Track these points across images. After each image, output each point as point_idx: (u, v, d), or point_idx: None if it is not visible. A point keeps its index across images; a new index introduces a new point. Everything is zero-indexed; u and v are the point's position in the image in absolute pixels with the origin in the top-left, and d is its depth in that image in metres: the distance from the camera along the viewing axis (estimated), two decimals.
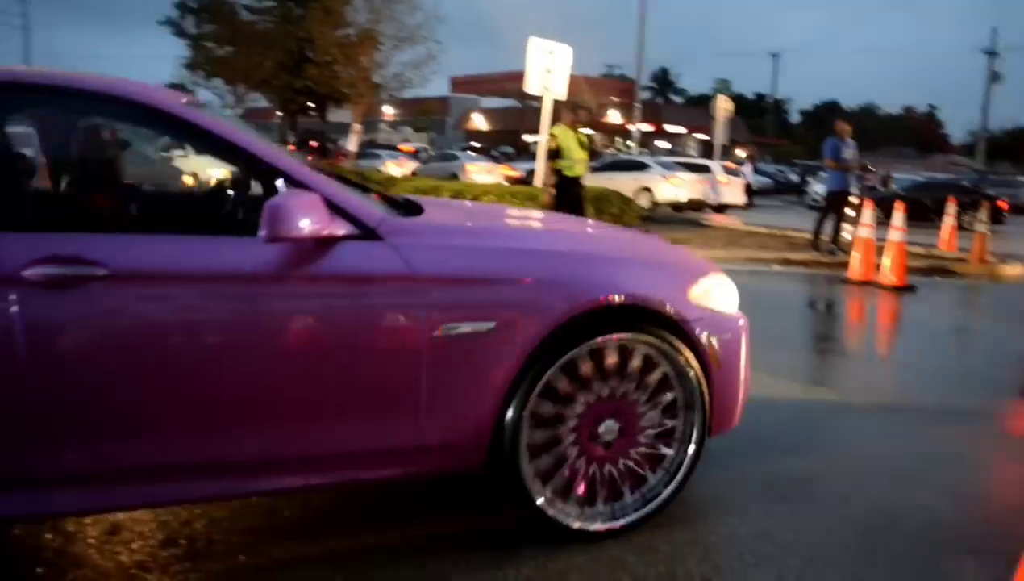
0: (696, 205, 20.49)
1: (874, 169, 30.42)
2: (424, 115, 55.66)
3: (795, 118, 79.64)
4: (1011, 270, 12.34)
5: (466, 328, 2.79)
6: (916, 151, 64.54)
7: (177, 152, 8.10)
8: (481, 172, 26.75)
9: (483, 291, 2.85)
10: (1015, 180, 37.77)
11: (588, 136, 9.43)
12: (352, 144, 26.11)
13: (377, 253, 2.73)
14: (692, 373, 3.13)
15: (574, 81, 15.39)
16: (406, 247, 2.77)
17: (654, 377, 3.12)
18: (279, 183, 2.69)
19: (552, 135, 9.41)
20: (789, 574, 2.88)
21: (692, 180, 21.27)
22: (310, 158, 27.32)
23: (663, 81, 75.95)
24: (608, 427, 3.06)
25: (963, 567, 3.01)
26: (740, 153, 44.85)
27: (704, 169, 22.94)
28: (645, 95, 53.37)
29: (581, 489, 3.05)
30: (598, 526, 3.05)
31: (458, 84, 52.38)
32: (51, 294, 2.39)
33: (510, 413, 2.86)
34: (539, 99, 14.63)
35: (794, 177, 36.79)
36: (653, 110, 50.88)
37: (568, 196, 9.36)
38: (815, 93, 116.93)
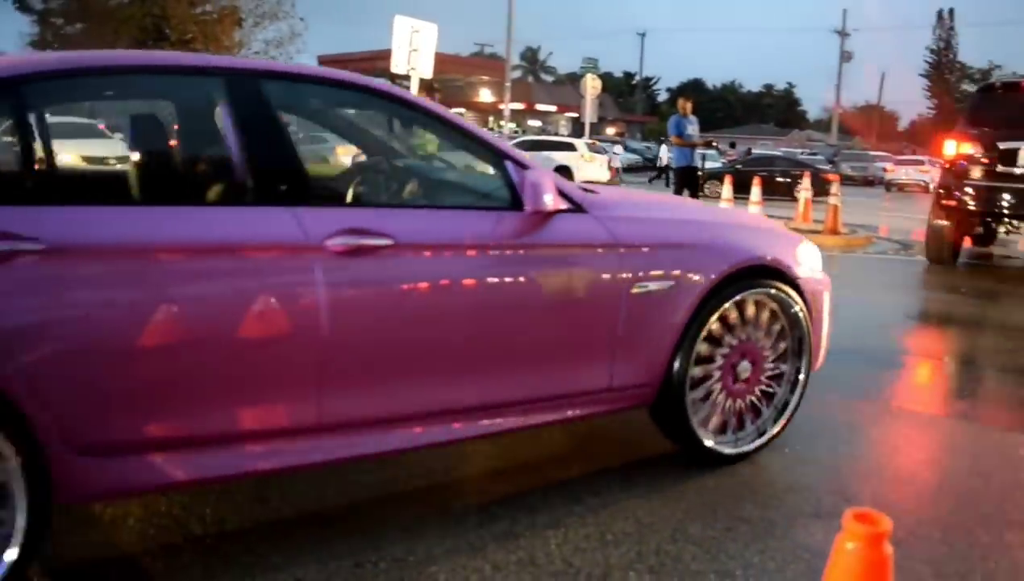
0: None
1: (717, 144, 31.82)
2: None
3: (663, 96, 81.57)
4: (861, 240, 13.04)
5: (653, 286, 3.39)
6: (776, 127, 67.32)
7: None
8: (348, 154, 26.28)
9: (664, 255, 3.45)
10: (864, 153, 39.81)
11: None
12: None
13: (586, 224, 3.27)
14: (802, 324, 3.79)
15: (444, 60, 15.26)
16: (607, 219, 3.33)
17: (776, 327, 3.76)
18: (508, 165, 3.17)
19: None
20: (648, 551, 2.91)
21: (555, 158, 22.00)
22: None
23: (533, 60, 76.40)
24: (744, 367, 3.66)
25: (812, 532, 3.13)
26: (610, 131, 45.72)
27: (568, 147, 23.54)
28: (516, 74, 53.62)
29: (718, 419, 3.65)
30: (728, 450, 3.68)
31: (325, 63, 50.97)
32: (348, 261, 2.75)
33: (679, 356, 3.46)
34: (409, 79, 14.45)
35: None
36: (524, 89, 51.14)
37: None
38: (681, 72, 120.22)
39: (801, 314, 3.76)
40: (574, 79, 42.06)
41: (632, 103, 70.33)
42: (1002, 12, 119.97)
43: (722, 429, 3.68)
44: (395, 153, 4.15)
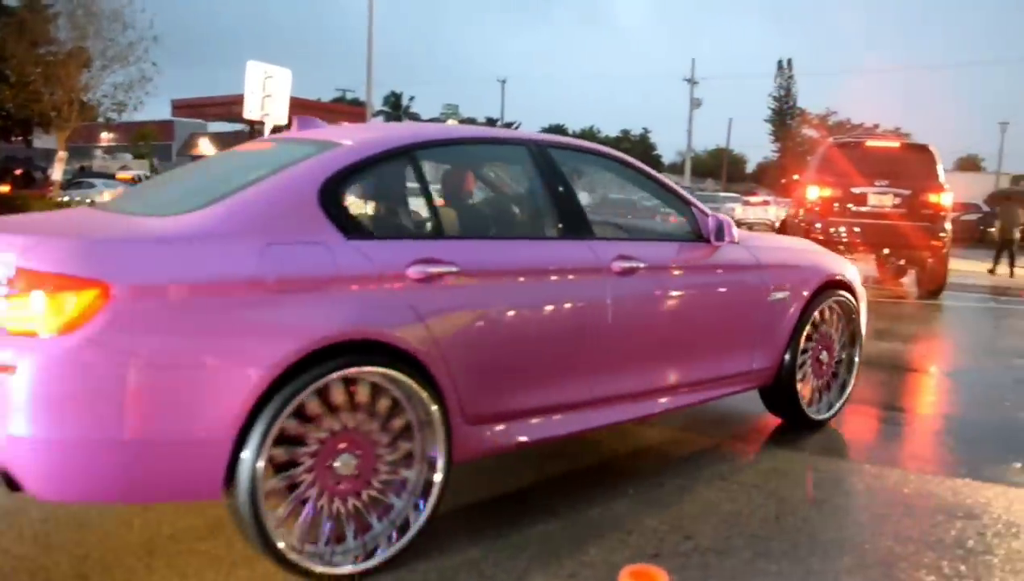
0: None
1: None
2: (143, 140, 52.28)
3: None
4: None
5: (779, 295, 4.72)
6: None
7: None
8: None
9: (785, 273, 4.81)
10: (715, 195, 41.70)
11: None
12: (57, 172, 23.92)
13: (741, 252, 4.60)
14: (856, 322, 5.28)
15: (305, 105, 15.05)
16: (752, 248, 4.69)
17: (842, 325, 5.25)
18: (695, 210, 4.47)
19: None
20: None
21: None
22: (9, 188, 24.73)
23: (396, 105, 76.52)
24: (824, 356, 5.13)
25: None
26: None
27: None
28: (379, 120, 53.54)
29: (807, 395, 5.03)
30: (816, 417, 5.09)
31: (180, 107, 49.44)
32: (621, 279, 3.91)
33: (790, 348, 4.82)
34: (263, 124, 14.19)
35: None
36: None
37: None
38: (542, 117, 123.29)
39: (855, 315, 5.24)
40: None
41: None
42: (837, 62, 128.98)
43: (810, 402, 5.03)
44: (628, 202, 5.37)
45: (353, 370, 3.02)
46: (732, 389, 4.62)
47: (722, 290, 4.52)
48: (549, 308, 3.68)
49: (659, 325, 4.17)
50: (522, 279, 3.62)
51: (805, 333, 4.86)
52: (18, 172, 30.62)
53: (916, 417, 5.89)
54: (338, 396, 3.02)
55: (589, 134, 79.78)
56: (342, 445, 3.06)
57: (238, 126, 49.93)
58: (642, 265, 3.99)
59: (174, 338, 2.77)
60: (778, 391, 4.90)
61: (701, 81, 56.03)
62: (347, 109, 54.37)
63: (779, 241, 5.62)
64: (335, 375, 2.97)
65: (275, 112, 14.28)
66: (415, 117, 76.61)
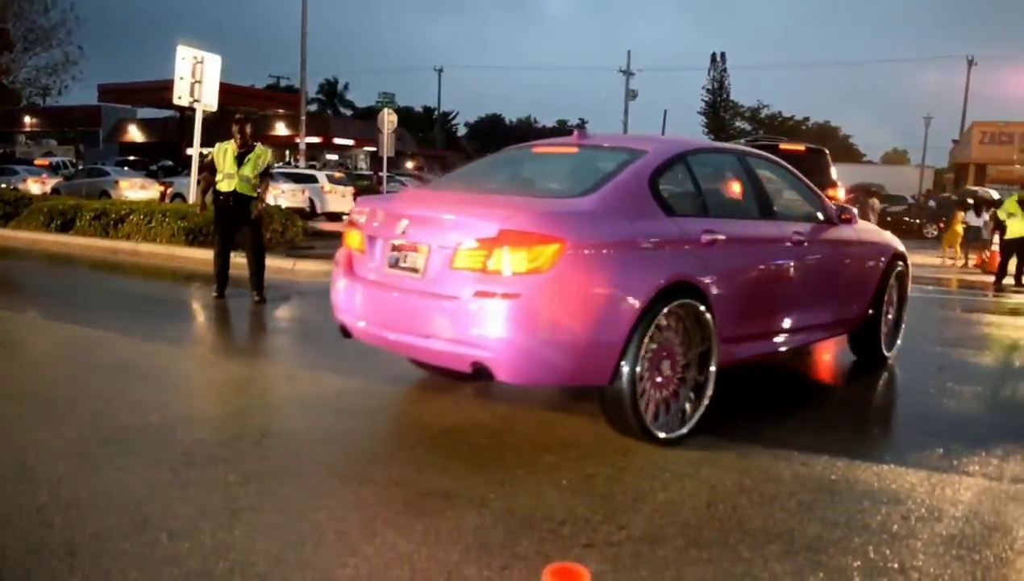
0: (301, 213, 20.04)
1: None
2: (69, 126, 50.63)
3: (463, 131, 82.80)
4: None
5: (870, 262, 6.60)
6: None
7: None
8: (135, 188, 24.83)
9: (873, 247, 6.71)
10: None
11: (249, 149, 8.81)
12: None
13: (849, 230, 6.35)
14: (905, 283, 7.21)
15: (237, 92, 14.70)
16: (855, 228, 6.42)
17: (898, 286, 7.09)
18: (823, 201, 6.37)
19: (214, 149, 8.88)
20: None
21: (293, 189, 22.30)
22: None
23: (331, 94, 75.46)
24: (890, 311, 7.00)
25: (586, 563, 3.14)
26: (409, 165, 45.83)
27: (311, 179, 24.05)
28: (313, 107, 52.78)
29: (881, 337, 6.84)
30: (887, 354, 6.98)
31: (107, 92, 48.06)
32: (793, 246, 5.62)
33: (875, 302, 6.64)
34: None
35: None
36: (321, 122, 50.31)
37: (225, 212, 8.84)
38: (479, 107, 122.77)
39: (906, 280, 7.19)
40: (373, 113, 41.87)
41: (432, 138, 70.96)
42: (769, 57, 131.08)
43: (883, 345, 6.85)
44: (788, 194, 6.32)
45: (675, 303, 4.48)
46: (843, 330, 6.49)
47: (844, 257, 6.27)
48: (763, 265, 5.38)
49: (815, 280, 5.84)
50: (751, 245, 5.30)
51: (886, 292, 6.70)
52: None
53: (842, 403, 6.01)
54: (665, 320, 4.47)
55: (526, 124, 79.80)
56: (664, 354, 4.56)
57: (168, 112, 48.81)
58: (805, 238, 5.71)
59: (596, 277, 4.27)
60: (864, 335, 6.70)
61: (636, 73, 56.35)
62: (281, 96, 53.44)
63: (865, 224, 6.93)
64: (673, 304, 4.46)
65: (205, 98, 13.94)
66: (350, 105, 75.72)
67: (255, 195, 8.81)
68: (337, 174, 28.82)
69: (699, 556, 3.23)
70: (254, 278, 8.83)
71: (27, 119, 52.84)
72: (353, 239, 5.05)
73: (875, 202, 21.67)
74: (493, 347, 4.12)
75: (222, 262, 8.93)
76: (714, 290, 4.72)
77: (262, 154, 8.88)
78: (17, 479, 3.79)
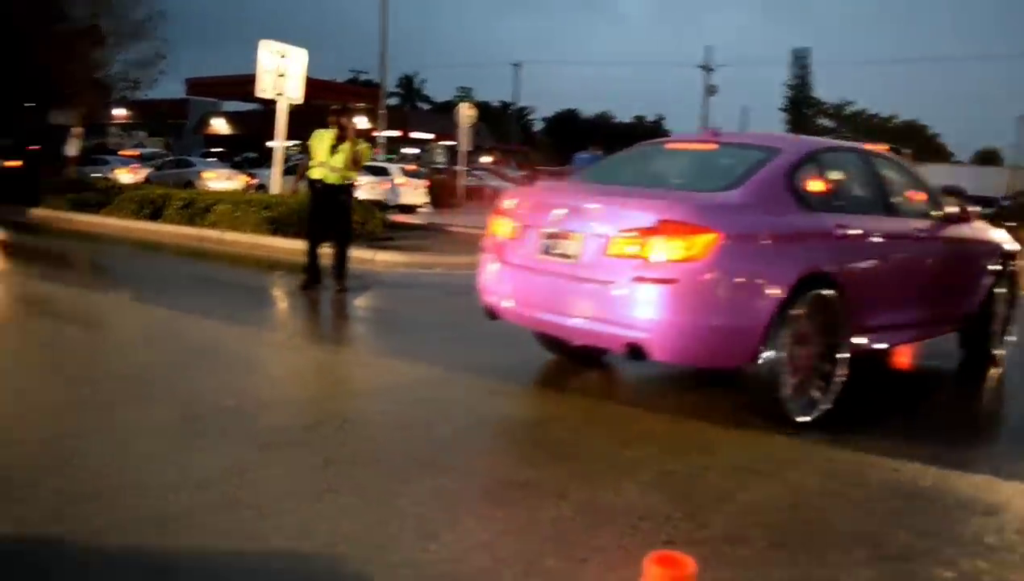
0: (379, 205, 20.34)
1: None
2: (159, 119, 52.22)
3: (539, 126, 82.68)
4: None
5: (983, 260, 6.64)
6: None
7: None
8: (219, 179, 25.48)
9: (988, 244, 6.77)
10: None
11: (344, 141, 8.81)
12: (73, 149, 23.91)
13: (965, 228, 6.44)
14: (1018, 283, 7.09)
15: (318, 86, 14.98)
16: (968, 226, 6.48)
17: (1008, 283, 6.94)
18: (935, 197, 6.41)
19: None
20: None
21: (372, 182, 22.33)
22: (21, 163, 24.73)
23: (409, 88, 76.23)
24: (1001, 308, 6.93)
25: None
26: (486, 158, 46.00)
27: (382, 172, 24.02)
28: (392, 101, 53.34)
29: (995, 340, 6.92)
30: (998, 351, 6.93)
31: (195, 86, 49.48)
32: (914, 243, 5.82)
33: (987, 297, 6.63)
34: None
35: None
36: (400, 116, 50.84)
37: (317, 200, 8.96)
38: (556, 102, 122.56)
39: (1016, 277, 7.06)
40: (451, 107, 42.10)
41: (508, 132, 71.12)
42: (854, 52, 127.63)
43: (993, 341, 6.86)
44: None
45: (811, 293, 4.71)
46: (957, 326, 6.52)
47: (960, 254, 6.35)
48: (889, 260, 5.52)
49: (934, 275, 5.97)
50: (878, 240, 5.42)
51: (996, 290, 6.70)
52: (34, 148, 30.62)
53: (939, 407, 5.82)
54: (802, 309, 4.68)
55: (603, 119, 79.30)
56: (801, 341, 4.75)
57: (253, 105, 49.99)
58: (925, 234, 5.89)
59: (744, 266, 4.57)
60: (974, 331, 6.67)
61: (716, 69, 55.46)
62: (360, 91, 54.19)
63: (979, 222, 7.01)
64: (809, 294, 4.70)
65: (289, 91, 14.22)
66: (427, 100, 76.40)
67: (345, 185, 8.88)
68: (410, 167, 29.06)
69: (782, 558, 3.17)
70: (336, 267, 8.93)
71: (119, 112, 54.66)
72: (502, 227, 5.42)
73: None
74: (649, 328, 4.51)
75: (312, 252, 9.00)
76: (846, 281, 4.94)
77: (358, 147, 8.92)
78: (112, 455, 3.92)
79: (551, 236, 5.03)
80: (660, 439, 4.54)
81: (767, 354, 4.60)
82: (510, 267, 5.30)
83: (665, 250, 4.47)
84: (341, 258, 8.94)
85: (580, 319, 4.82)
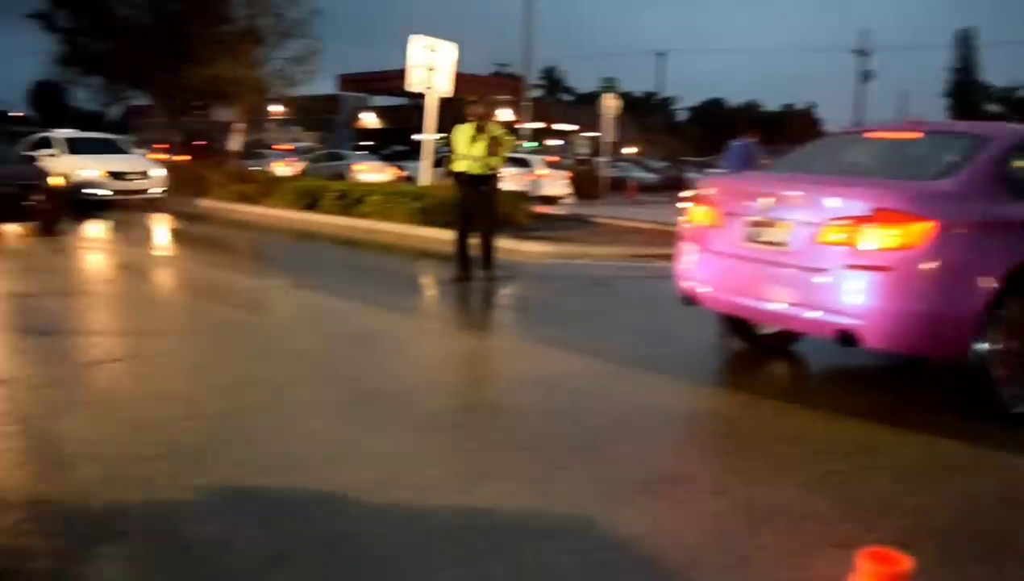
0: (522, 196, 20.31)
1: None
2: (313, 114, 54.48)
3: (683, 116, 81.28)
4: None
5: None
6: (792, 146, 66.57)
7: None
8: (369, 171, 26.32)
9: None
10: None
11: (483, 131, 8.94)
12: (236, 144, 25.30)
13: None
14: None
15: (461, 79, 15.24)
16: None
17: None
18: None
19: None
20: None
21: (516, 173, 22.23)
22: (190, 158, 26.38)
23: (552, 79, 76.51)
24: None
25: (831, 561, 3.01)
26: (628, 149, 45.62)
27: (523, 163, 23.90)
28: (534, 93, 53.66)
29: None
30: None
31: (347, 82, 51.35)
32: None
33: None
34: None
35: (690, 174, 37.25)
36: (543, 108, 51.10)
37: (463, 192, 9.15)
38: (700, 91, 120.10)
39: None
40: (593, 98, 41.94)
41: (651, 123, 70.22)
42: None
43: None
44: None
45: None
46: None
47: None
48: None
49: None
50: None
51: None
52: (199, 144, 32.56)
53: None
54: (1016, 300, 4.56)
55: (750, 108, 77.17)
56: (1013, 333, 4.61)
57: (400, 100, 51.45)
58: None
59: (959, 255, 4.48)
60: None
61: (870, 54, 52.88)
62: (504, 83, 54.75)
63: None
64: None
65: (438, 85, 14.52)
66: (569, 91, 76.46)
67: (487, 174, 9.01)
68: (552, 159, 29.19)
69: (956, 569, 3.00)
70: (484, 257, 9.07)
71: (275, 108, 57.30)
72: (703, 215, 5.53)
73: None
74: (862, 315, 4.52)
75: (460, 243, 9.17)
76: None
77: (495, 134, 9.03)
78: (282, 432, 4.13)
79: (757, 224, 5.12)
80: (819, 438, 4.38)
81: (980, 344, 4.51)
82: (711, 254, 5.42)
83: (880, 238, 4.50)
84: (488, 248, 9.07)
85: (785, 305, 4.91)
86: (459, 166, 9.08)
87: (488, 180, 9.06)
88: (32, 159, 15.48)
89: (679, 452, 4.05)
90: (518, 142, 32.12)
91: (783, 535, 3.19)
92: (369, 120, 59.72)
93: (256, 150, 33.85)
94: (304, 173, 25.79)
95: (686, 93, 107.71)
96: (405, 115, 49.32)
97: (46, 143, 18.24)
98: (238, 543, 2.99)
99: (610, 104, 26.34)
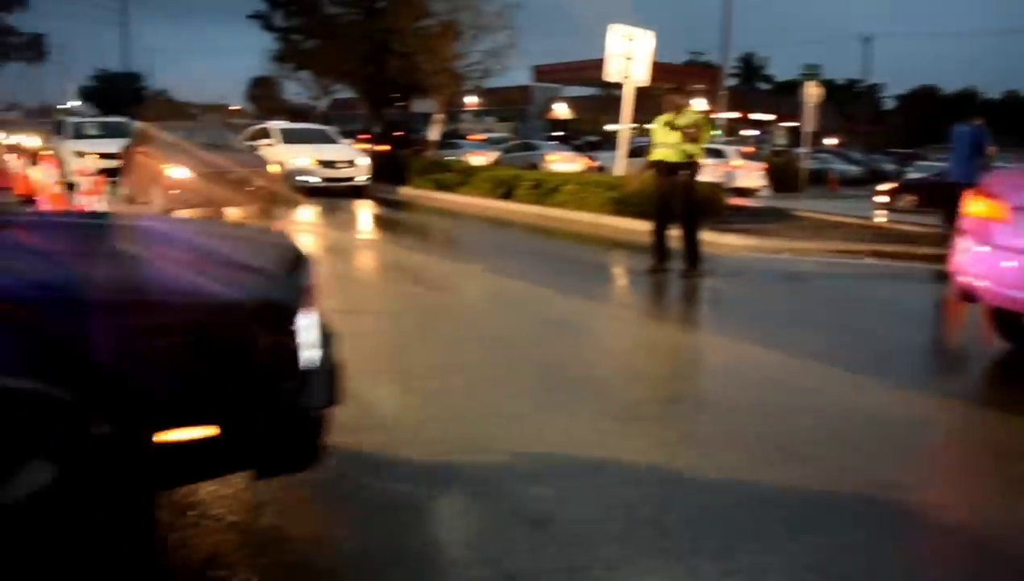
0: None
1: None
2: (507, 105, 55.62)
3: (890, 104, 76.59)
4: None
5: None
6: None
7: None
8: (561, 161, 26.53)
9: None
10: None
11: (680, 119, 8.69)
12: (434, 134, 26.22)
13: None
14: None
15: (656, 68, 15.03)
16: None
17: None
18: None
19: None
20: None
21: (706, 164, 21.33)
22: (389, 148, 27.57)
23: (748, 67, 74.08)
24: None
25: None
26: (830, 141, 43.58)
27: (717, 154, 22.88)
28: (730, 82, 52.27)
29: None
30: None
31: (541, 72, 52.02)
32: None
33: None
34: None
35: (888, 166, 35.20)
36: (739, 97, 49.65)
37: (660, 182, 9.03)
38: (909, 78, 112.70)
39: None
40: (792, 87, 40.25)
41: (856, 112, 66.67)
42: None
43: None
44: None
45: None
46: None
47: None
48: None
49: None
50: None
51: None
52: (399, 134, 33.98)
53: None
54: None
55: (967, 95, 71.73)
56: None
57: (592, 90, 51.54)
58: None
59: None
60: None
61: None
62: (699, 72, 53.66)
63: None
64: None
65: (636, 74, 14.41)
66: (767, 79, 73.81)
67: (686, 163, 8.79)
68: (747, 149, 28.33)
69: None
70: (688, 251, 8.86)
71: (470, 99, 58.93)
72: (987, 209, 5.40)
73: None
74: None
75: (657, 234, 9.05)
76: None
77: (690, 119, 8.77)
78: (486, 412, 4.25)
79: None
80: None
81: None
82: (993, 249, 5.28)
83: None
84: (688, 240, 8.86)
85: None
86: (657, 155, 8.94)
87: (686, 169, 8.84)
88: (253, 149, 16.76)
89: (893, 460, 3.80)
90: (715, 131, 31.37)
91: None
92: (560, 111, 60.24)
93: (450, 141, 34.91)
94: (496, 163, 26.36)
95: (894, 80, 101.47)
96: (596, 106, 49.37)
97: (264, 133, 19.62)
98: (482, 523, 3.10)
99: (812, 92, 25.20)
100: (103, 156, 17.95)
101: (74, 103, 57.16)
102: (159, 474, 2.35)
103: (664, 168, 8.87)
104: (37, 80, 52.17)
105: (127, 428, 2.22)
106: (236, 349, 2.38)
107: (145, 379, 2.25)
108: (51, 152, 16.27)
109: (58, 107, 47.52)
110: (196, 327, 2.32)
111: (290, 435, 2.47)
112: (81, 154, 18.46)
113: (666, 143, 8.77)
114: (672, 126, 8.75)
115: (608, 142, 35.56)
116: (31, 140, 21.62)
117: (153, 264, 2.59)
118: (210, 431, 2.32)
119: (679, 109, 8.85)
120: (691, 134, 8.65)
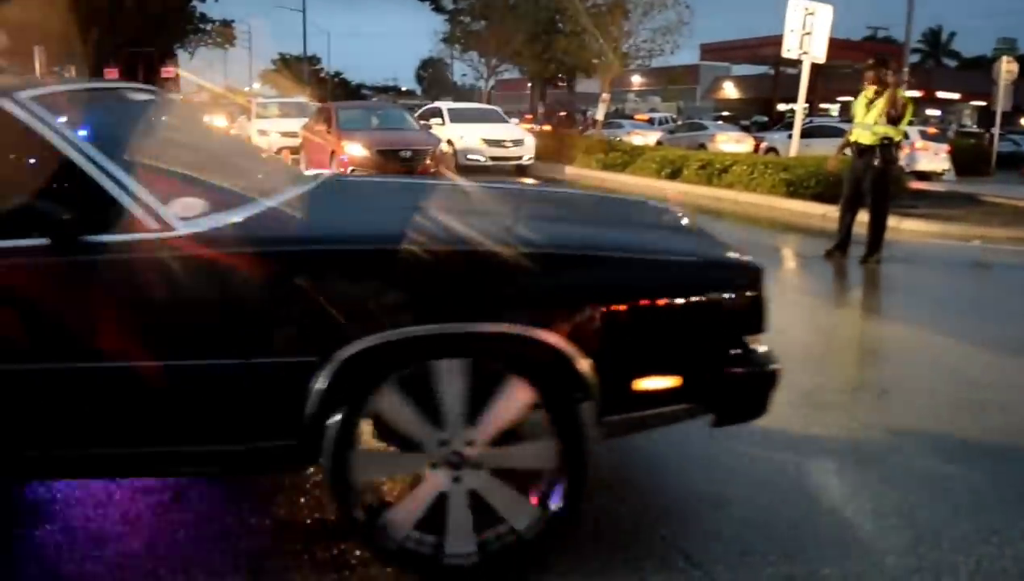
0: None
1: None
2: (672, 84, 54.68)
3: None
4: None
5: None
6: None
7: None
8: (730, 142, 25.91)
9: None
10: None
11: (880, 96, 8.18)
12: (600, 113, 26.17)
13: None
14: None
15: (833, 44, 14.42)
16: None
17: None
18: None
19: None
20: None
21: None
22: (551, 127, 27.75)
23: (934, 43, 69.54)
24: None
25: None
26: None
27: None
28: (914, 59, 49.32)
29: None
30: None
31: (709, 51, 50.61)
32: None
33: None
34: (796, 65, 13.90)
35: None
36: (923, 75, 46.69)
37: (853, 163, 8.60)
38: None
39: None
40: (983, 63, 37.49)
41: None
42: None
43: None
44: None
45: None
46: None
47: None
48: None
49: None
50: None
51: None
52: (562, 114, 34.15)
53: None
54: None
55: None
56: None
57: (761, 69, 49.88)
58: None
59: None
60: None
61: None
62: (878, 48, 50.89)
63: None
64: None
65: (814, 49, 13.90)
66: (955, 55, 69.11)
67: (880, 145, 8.31)
68: (930, 130, 26.66)
69: None
70: (871, 237, 8.43)
71: (635, 78, 58.25)
72: None
73: None
74: None
75: (842, 217, 8.69)
76: None
77: (889, 95, 8.18)
78: None
79: None
80: None
81: None
82: None
83: None
84: (873, 226, 8.42)
85: None
86: (853, 135, 8.52)
87: (878, 150, 8.33)
88: (427, 128, 17.33)
89: None
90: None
91: None
92: (728, 90, 58.71)
93: (614, 120, 34.75)
94: (659, 143, 26.05)
95: None
96: (764, 85, 47.73)
97: (435, 113, 20.21)
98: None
99: (1006, 69, 23.46)
100: (284, 134, 19.07)
101: (256, 85, 60.70)
102: (632, 420, 2.57)
103: (856, 150, 8.46)
104: (222, 64, 55.62)
105: (614, 374, 2.44)
106: (709, 305, 2.60)
107: (632, 331, 2.49)
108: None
109: (245, 89, 50.55)
110: (693, 286, 2.58)
111: (747, 387, 2.65)
112: (264, 133, 19.66)
113: (863, 123, 8.35)
114: (871, 105, 8.30)
115: (778, 123, 34.47)
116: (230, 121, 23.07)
117: (640, 229, 3.13)
118: (674, 381, 2.53)
119: (881, 85, 8.33)
120: (891, 115, 8.16)
